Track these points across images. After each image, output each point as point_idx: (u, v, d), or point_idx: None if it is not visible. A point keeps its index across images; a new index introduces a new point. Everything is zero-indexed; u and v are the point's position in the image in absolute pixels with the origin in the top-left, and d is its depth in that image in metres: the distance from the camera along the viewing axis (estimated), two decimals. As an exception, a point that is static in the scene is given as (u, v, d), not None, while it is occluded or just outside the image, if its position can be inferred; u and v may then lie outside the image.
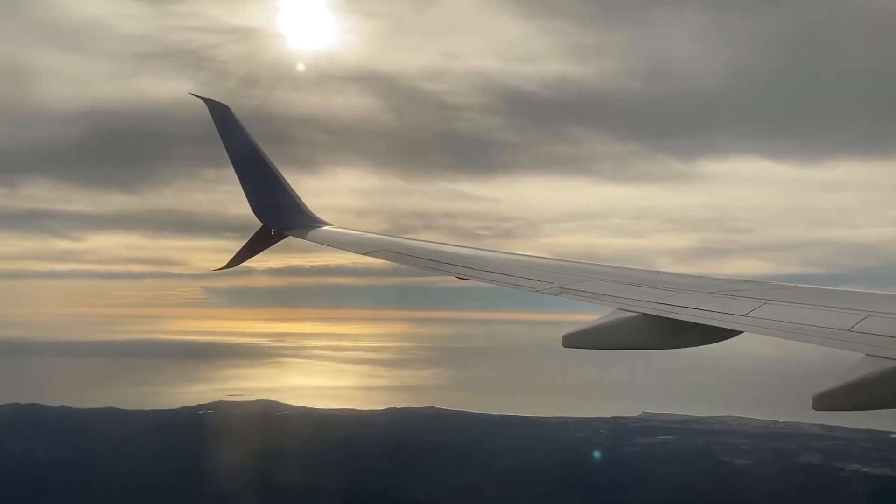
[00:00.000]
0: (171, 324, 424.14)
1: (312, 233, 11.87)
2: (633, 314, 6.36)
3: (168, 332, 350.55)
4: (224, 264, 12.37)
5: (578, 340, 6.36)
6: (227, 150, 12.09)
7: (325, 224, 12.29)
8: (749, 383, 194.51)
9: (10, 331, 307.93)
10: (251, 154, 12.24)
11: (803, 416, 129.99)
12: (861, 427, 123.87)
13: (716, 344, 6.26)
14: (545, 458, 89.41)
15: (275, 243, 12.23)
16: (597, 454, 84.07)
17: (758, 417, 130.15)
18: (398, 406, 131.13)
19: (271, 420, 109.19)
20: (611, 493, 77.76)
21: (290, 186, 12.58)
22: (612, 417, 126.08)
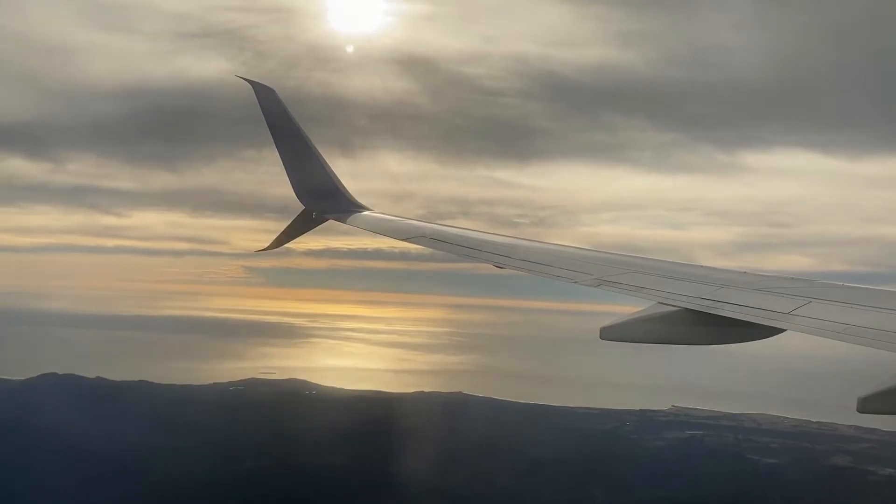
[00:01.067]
0: (212, 301, 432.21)
1: (353, 217, 11.96)
2: (674, 308, 6.27)
3: (208, 310, 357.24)
4: (266, 245, 12.56)
5: (616, 334, 6.24)
6: (271, 132, 12.17)
7: (366, 209, 12.37)
8: (786, 382, 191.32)
9: (57, 303, 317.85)
10: (295, 137, 12.31)
11: (838, 416, 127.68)
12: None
13: (757, 342, 6.20)
14: (566, 449, 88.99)
15: (316, 226, 12.34)
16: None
17: (791, 416, 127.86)
18: (426, 390, 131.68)
19: (300, 399, 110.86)
20: (629, 488, 77.03)
21: (332, 171, 12.68)
22: (640, 410, 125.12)
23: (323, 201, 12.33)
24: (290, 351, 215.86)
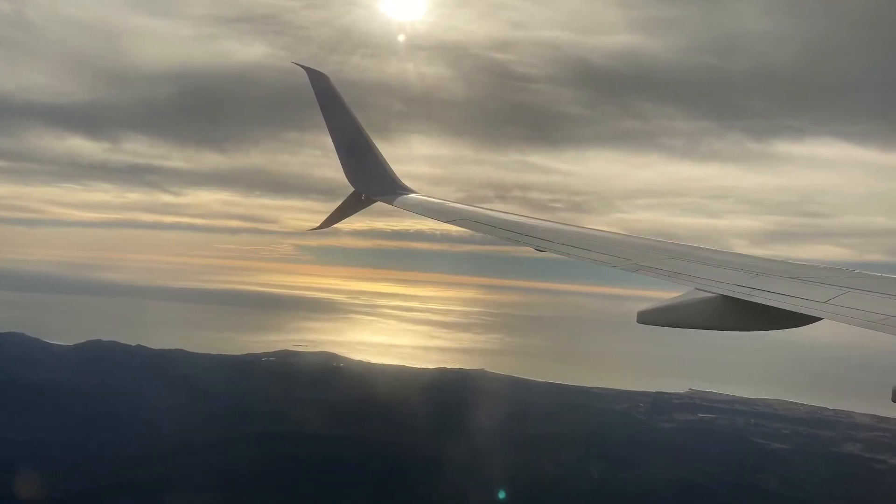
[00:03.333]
0: (263, 277, 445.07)
1: (399, 199, 12.31)
2: (711, 295, 6.32)
3: (257, 285, 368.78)
4: (317, 225, 13.13)
5: (653, 318, 6.33)
6: (324, 117, 12.65)
7: (412, 192, 12.75)
8: (812, 370, 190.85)
9: (115, 275, 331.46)
10: (347, 122, 12.76)
11: (857, 405, 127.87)
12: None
13: (793, 329, 6.25)
14: (573, 427, 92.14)
15: (364, 208, 12.82)
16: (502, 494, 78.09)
17: (807, 403, 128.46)
18: (449, 367, 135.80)
19: (326, 371, 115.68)
20: (628, 466, 79.86)
21: (381, 155, 13.12)
22: (656, 392, 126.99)
23: (372, 184, 12.81)
24: (327, 325, 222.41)
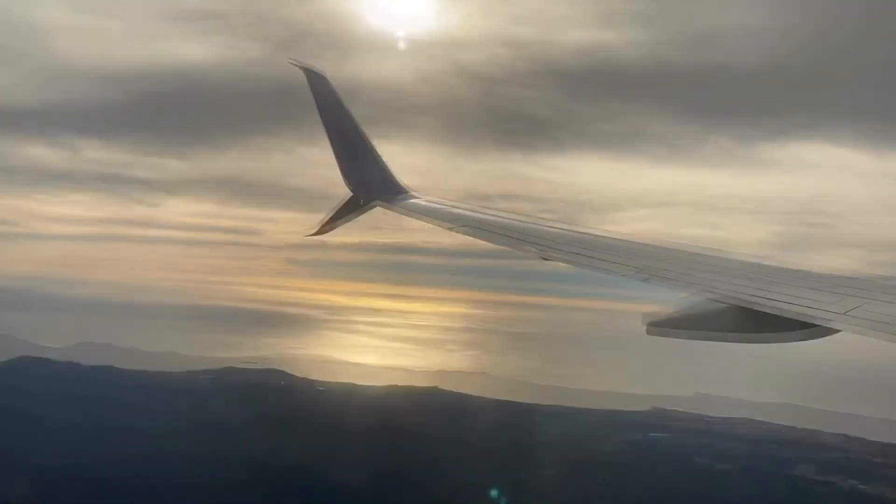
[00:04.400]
0: (245, 291, 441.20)
1: (400, 203, 11.94)
2: (724, 304, 6.12)
3: (233, 299, 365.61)
4: (314, 231, 12.58)
5: (664, 329, 6.12)
6: (322, 117, 12.31)
7: (413, 195, 12.33)
8: (800, 387, 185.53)
9: (86, 289, 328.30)
10: (346, 123, 12.36)
11: (829, 424, 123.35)
12: (887, 441, 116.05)
13: (808, 342, 5.94)
14: (499, 447, 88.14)
15: (364, 212, 12.34)
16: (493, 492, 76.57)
17: (774, 422, 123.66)
18: (400, 384, 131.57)
19: (262, 389, 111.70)
20: (544, 485, 75.57)
21: (380, 157, 12.66)
22: (612, 410, 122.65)
23: (371, 187, 12.35)
24: (293, 342, 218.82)
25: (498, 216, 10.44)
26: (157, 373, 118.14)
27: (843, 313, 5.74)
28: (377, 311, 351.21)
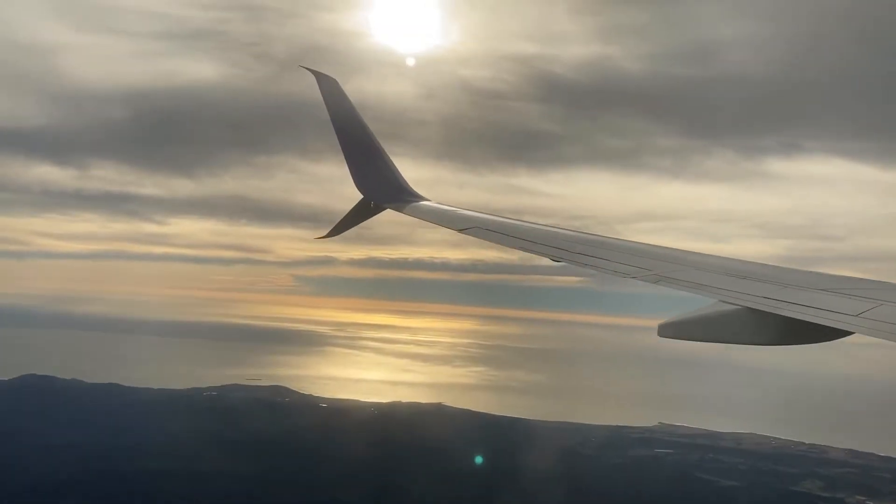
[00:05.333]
0: (252, 309, 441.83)
1: (410, 207, 12.00)
2: (736, 307, 6.09)
3: (244, 317, 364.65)
4: (325, 234, 12.77)
5: (675, 331, 6.10)
6: (333, 122, 12.40)
7: (424, 199, 12.43)
8: (804, 402, 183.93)
9: (99, 307, 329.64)
10: (356, 127, 12.50)
11: (838, 440, 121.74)
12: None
13: (823, 343, 5.96)
14: (504, 462, 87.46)
15: (374, 215, 12.44)
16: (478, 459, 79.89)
17: (780, 437, 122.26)
18: (404, 401, 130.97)
19: (267, 406, 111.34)
20: (548, 501, 74.89)
21: (391, 161, 12.80)
22: (617, 426, 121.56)
23: (381, 191, 12.44)
24: (298, 359, 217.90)
25: (509, 220, 10.47)
26: (160, 390, 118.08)
27: (857, 315, 5.65)
28: (384, 328, 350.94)
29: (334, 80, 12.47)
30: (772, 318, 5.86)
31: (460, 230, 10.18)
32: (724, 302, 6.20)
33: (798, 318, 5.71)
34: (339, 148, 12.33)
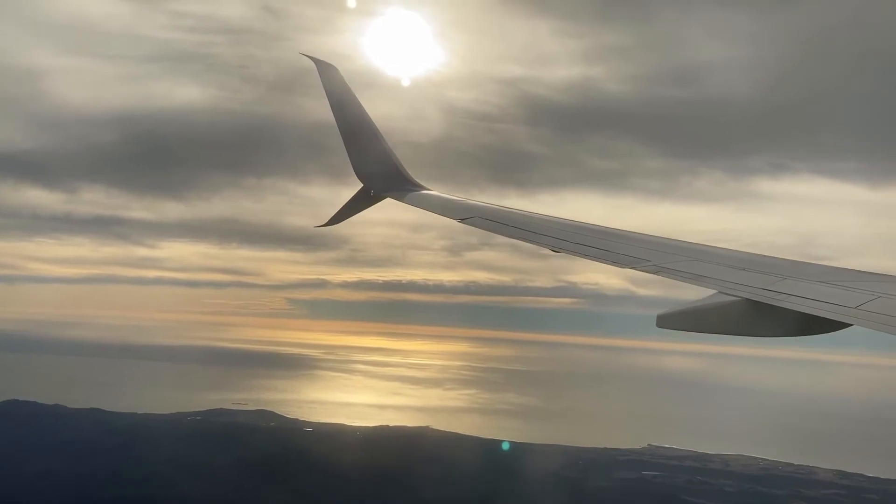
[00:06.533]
0: (246, 332, 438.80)
1: (411, 196, 11.82)
2: (735, 298, 6.07)
3: (236, 340, 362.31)
4: (324, 222, 12.63)
5: (673, 322, 6.04)
6: (332, 110, 12.31)
7: (424, 188, 12.27)
8: (795, 423, 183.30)
9: (89, 332, 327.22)
10: (356, 116, 12.36)
11: (826, 460, 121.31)
12: (887, 476, 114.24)
13: (822, 335, 5.95)
14: (490, 486, 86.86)
15: (374, 204, 12.33)
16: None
17: (768, 458, 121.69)
18: (391, 424, 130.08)
19: (250, 430, 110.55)
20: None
21: (391, 150, 12.64)
22: (605, 448, 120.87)
23: (382, 180, 12.29)
24: (287, 383, 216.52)
25: (509, 210, 10.41)
26: (144, 415, 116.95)
27: (856, 307, 5.60)
28: (376, 350, 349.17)
29: (334, 67, 12.41)
30: (770, 309, 5.86)
31: (461, 220, 10.14)
32: (723, 293, 6.20)
33: (797, 309, 5.71)
34: (338, 145, 12.22)
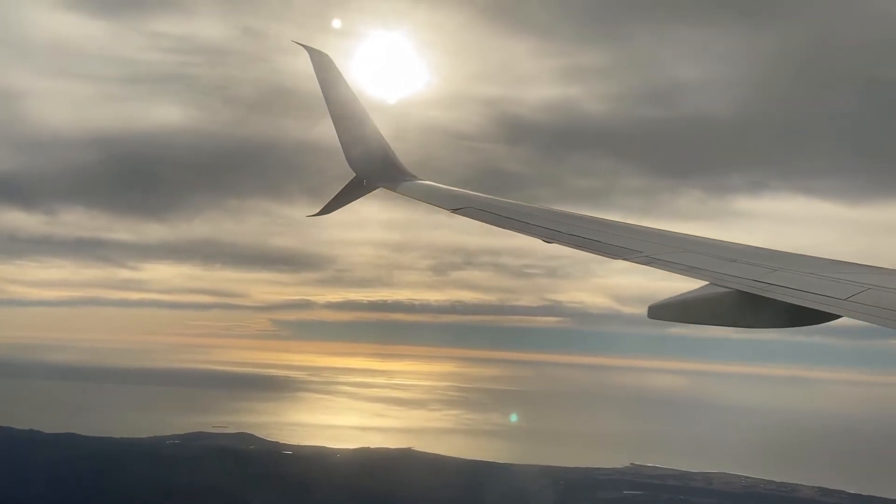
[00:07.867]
0: (227, 354, 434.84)
1: (403, 186, 11.66)
2: (726, 290, 6.12)
3: (214, 363, 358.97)
4: (316, 211, 12.44)
5: (665, 312, 6.13)
6: (325, 98, 12.16)
7: (416, 178, 12.06)
8: (777, 440, 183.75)
9: (69, 356, 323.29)
10: (349, 104, 12.24)
11: (807, 477, 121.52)
12: (868, 494, 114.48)
13: (815, 325, 6.10)
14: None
15: (366, 193, 12.16)
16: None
17: (751, 476, 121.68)
18: (372, 446, 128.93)
19: (229, 453, 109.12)
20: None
21: (384, 139, 12.47)
22: (587, 468, 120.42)
23: (374, 169, 12.13)
24: (269, 405, 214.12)
25: (503, 200, 10.37)
26: (121, 439, 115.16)
27: (845, 299, 5.65)
28: (360, 371, 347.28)
29: (327, 55, 12.28)
30: (761, 300, 5.89)
31: (454, 210, 10.09)
32: (714, 284, 6.23)
33: (787, 301, 5.75)
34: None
